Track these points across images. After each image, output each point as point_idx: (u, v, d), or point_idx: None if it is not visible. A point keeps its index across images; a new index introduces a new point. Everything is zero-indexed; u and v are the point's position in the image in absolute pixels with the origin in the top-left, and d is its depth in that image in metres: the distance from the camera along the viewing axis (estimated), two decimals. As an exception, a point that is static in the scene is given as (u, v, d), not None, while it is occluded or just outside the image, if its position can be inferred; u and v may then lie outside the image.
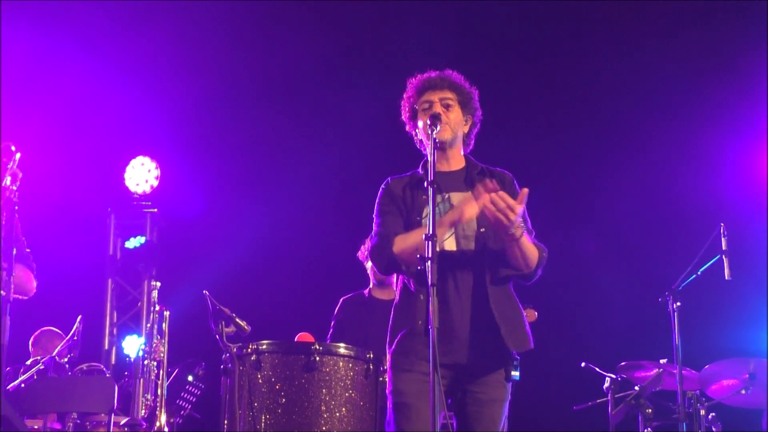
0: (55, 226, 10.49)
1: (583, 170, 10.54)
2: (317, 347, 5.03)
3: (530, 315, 7.71)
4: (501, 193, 4.92)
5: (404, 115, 5.46)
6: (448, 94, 5.34)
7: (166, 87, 11.01)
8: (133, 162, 11.29)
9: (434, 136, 5.02)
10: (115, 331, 11.36)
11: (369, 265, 8.11)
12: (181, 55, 10.88)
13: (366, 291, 8.16)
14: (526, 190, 4.98)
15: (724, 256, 7.38)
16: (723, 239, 7.41)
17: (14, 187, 5.61)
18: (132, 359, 7.96)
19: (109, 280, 11.41)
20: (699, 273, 7.40)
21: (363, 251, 8.17)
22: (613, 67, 10.57)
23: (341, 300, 8.11)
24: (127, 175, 11.28)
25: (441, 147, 5.22)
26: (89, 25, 10.63)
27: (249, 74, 10.91)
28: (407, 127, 5.46)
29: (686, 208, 9.99)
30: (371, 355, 5.11)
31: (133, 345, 10.81)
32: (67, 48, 10.62)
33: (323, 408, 4.97)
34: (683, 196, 10.13)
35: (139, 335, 10.87)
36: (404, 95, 5.46)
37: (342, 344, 5.19)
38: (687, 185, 10.20)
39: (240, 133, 11.10)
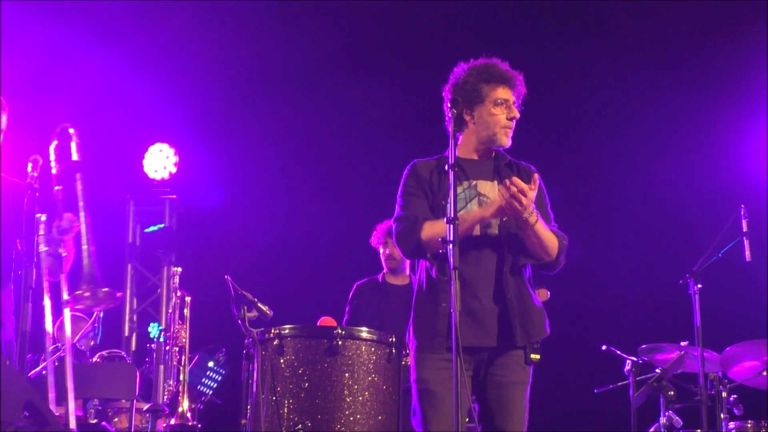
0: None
1: (603, 153, 10.52)
2: (340, 331, 5.04)
3: (542, 294, 7.71)
4: (514, 178, 4.93)
5: (459, 93, 5.29)
6: (515, 97, 5.32)
7: (183, 73, 11.02)
8: (151, 148, 11.30)
9: (500, 143, 5.23)
10: (135, 318, 11.39)
11: (382, 250, 8.14)
12: (198, 41, 10.87)
13: (380, 276, 8.19)
14: (536, 176, 5.00)
15: (744, 238, 7.37)
16: (744, 221, 7.41)
17: (35, 174, 5.64)
18: (153, 345, 7.97)
19: (129, 267, 11.43)
20: (720, 255, 7.39)
21: (375, 237, 8.20)
22: (633, 50, 10.55)
23: (355, 285, 8.15)
24: (145, 162, 11.30)
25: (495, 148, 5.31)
26: (108, 13, 10.63)
27: (266, 59, 10.91)
28: (454, 104, 5.16)
29: (707, 189, 9.96)
30: (393, 339, 5.11)
31: (155, 331, 10.85)
32: (86, 35, 10.64)
33: (346, 392, 4.97)
34: (704, 178, 10.10)
35: (158, 323, 10.90)
36: (468, 70, 5.33)
37: (364, 328, 5.19)
38: (708, 167, 10.17)
39: (258, 118, 11.09)
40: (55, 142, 6.15)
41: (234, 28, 10.76)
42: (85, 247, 6.00)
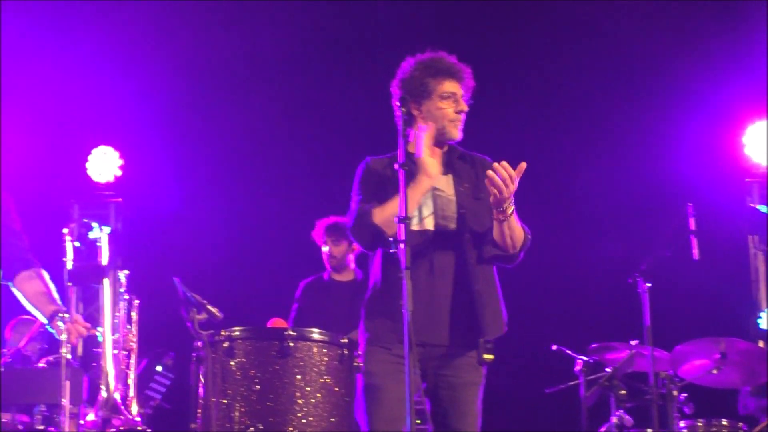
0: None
1: (551, 152, 10.52)
2: (291, 333, 4.97)
3: None
4: (503, 163, 4.90)
5: (407, 88, 5.27)
6: (463, 91, 5.29)
7: (128, 75, 10.89)
8: (95, 151, 11.17)
9: (450, 136, 5.21)
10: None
11: (325, 249, 8.09)
12: (144, 41, 10.78)
13: (325, 274, 8.16)
14: (524, 165, 4.96)
15: (692, 236, 7.40)
16: (691, 219, 7.44)
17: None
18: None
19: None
20: (668, 253, 7.41)
21: (315, 234, 8.16)
22: (579, 47, 10.57)
23: (301, 283, 8.13)
24: (89, 165, 11.16)
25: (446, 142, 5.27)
26: (51, 12, 10.51)
27: (211, 60, 10.83)
28: (403, 102, 5.11)
29: (655, 188, 10.00)
30: (346, 340, 5.05)
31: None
32: (30, 35, 10.51)
33: (298, 394, 4.90)
34: (652, 176, 10.14)
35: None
36: (415, 65, 5.30)
37: (315, 329, 5.12)
38: (656, 165, 10.21)
39: (204, 120, 11.00)
40: (67, 232, 5.97)
41: (180, 29, 10.66)
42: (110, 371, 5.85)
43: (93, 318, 11.09)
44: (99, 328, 10.70)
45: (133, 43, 10.75)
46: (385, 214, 4.98)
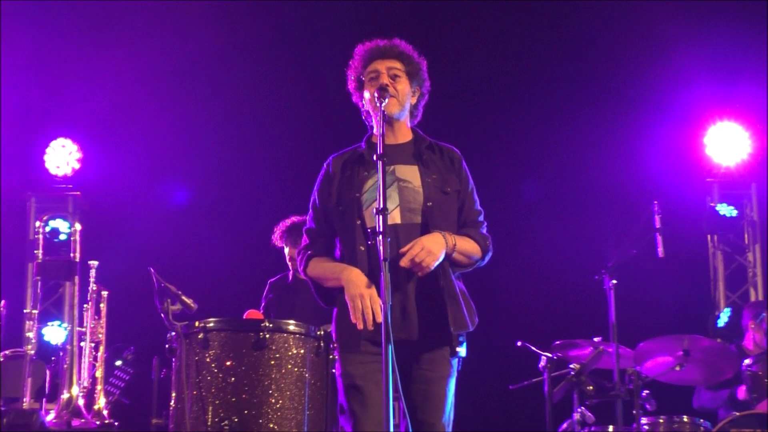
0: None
1: (518, 148, 10.54)
2: (267, 324, 4.92)
3: None
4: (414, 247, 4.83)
5: (350, 86, 5.28)
6: (396, 64, 5.18)
7: (87, 67, 10.77)
8: (53, 144, 11.03)
9: (382, 108, 4.94)
10: (36, 317, 11.07)
11: (287, 250, 8.02)
12: (101, 35, 10.68)
13: (289, 273, 8.08)
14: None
15: (657, 234, 7.46)
16: (656, 217, 7.50)
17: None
18: (59, 345, 7.78)
19: (30, 265, 11.13)
20: (633, 251, 7.45)
21: (275, 238, 8.05)
22: (542, 49, 10.62)
23: (268, 282, 8.03)
24: (47, 158, 11.02)
25: (388, 120, 5.09)
26: (9, 5, 10.40)
27: (170, 54, 10.74)
28: (353, 98, 5.28)
29: (621, 186, 10.05)
30: (321, 332, 5.01)
31: (53, 332, 10.54)
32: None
33: (273, 387, 4.86)
34: (618, 174, 10.19)
35: (61, 321, 10.61)
36: (350, 64, 5.28)
37: (292, 321, 5.08)
38: (621, 163, 10.26)
39: (164, 112, 10.89)
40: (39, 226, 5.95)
41: (140, 18, 10.58)
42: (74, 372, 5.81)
43: (50, 313, 11.02)
44: (52, 323, 10.65)
45: (93, 33, 10.64)
46: (316, 272, 5.08)
